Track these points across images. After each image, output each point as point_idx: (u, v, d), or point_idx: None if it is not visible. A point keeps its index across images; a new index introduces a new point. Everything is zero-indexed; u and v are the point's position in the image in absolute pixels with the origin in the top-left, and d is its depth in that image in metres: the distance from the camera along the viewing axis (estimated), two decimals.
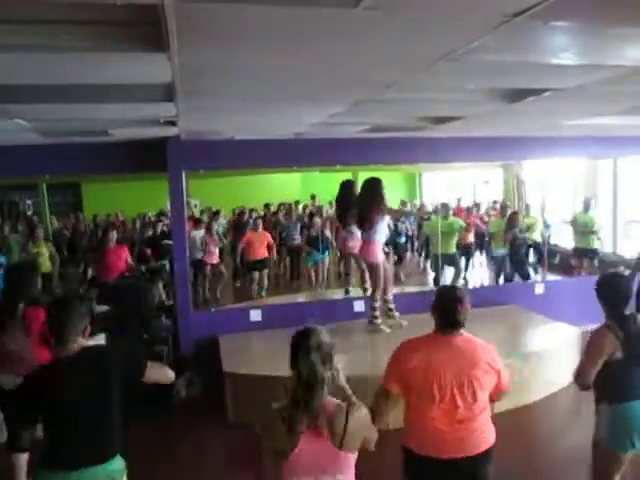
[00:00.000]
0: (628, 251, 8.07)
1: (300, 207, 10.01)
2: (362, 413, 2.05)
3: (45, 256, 7.17)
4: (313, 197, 10.09)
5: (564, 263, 8.30)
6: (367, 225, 5.50)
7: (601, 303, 3.01)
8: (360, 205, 5.63)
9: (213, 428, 4.76)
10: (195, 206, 9.42)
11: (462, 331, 2.61)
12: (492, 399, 2.70)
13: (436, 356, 2.54)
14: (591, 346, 2.92)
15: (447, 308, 2.58)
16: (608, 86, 3.15)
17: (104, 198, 9.82)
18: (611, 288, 3.00)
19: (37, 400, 2.37)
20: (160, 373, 2.60)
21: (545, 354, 5.18)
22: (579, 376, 2.93)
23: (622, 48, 2.46)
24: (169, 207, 5.90)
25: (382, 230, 5.59)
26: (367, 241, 5.56)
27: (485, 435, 2.59)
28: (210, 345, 5.52)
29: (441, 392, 2.51)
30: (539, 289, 6.82)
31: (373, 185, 5.57)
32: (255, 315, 5.94)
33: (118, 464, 2.42)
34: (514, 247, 7.71)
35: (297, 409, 1.96)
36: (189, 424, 4.83)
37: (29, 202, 10.16)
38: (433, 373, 2.51)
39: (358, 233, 5.89)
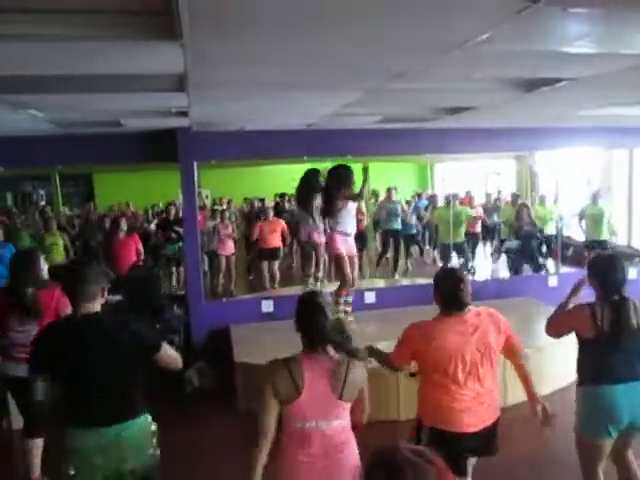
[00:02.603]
0: None
1: None
2: (360, 368, 2.27)
3: (59, 246, 7.24)
4: None
5: (577, 255, 8.22)
6: (330, 214, 5.22)
7: (593, 283, 2.95)
8: (325, 194, 5.28)
9: (224, 418, 4.78)
10: (206, 196, 9.43)
11: (469, 307, 2.68)
12: (518, 366, 2.82)
13: (455, 336, 2.61)
14: (565, 314, 3.02)
15: (451, 291, 2.64)
16: (625, 75, 3.09)
17: (116, 188, 9.84)
18: (605, 269, 2.93)
19: (47, 350, 2.43)
20: (173, 357, 2.62)
21: (558, 347, 5.13)
22: (547, 324, 3.12)
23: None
24: (180, 197, 5.92)
25: (345, 221, 5.23)
26: (329, 232, 5.31)
27: (497, 403, 2.77)
28: (222, 335, 5.55)
29: (465, 370, 2.61)
30: (552, 281, 6.77)
31: (337, 173, 5.22)
32: (266, 306, 5.96)
33: (139, 424, 2.46)
34: (523, 239, 7.66)
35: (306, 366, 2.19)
36: (201, 414, 4.86)
37: (42, 192, 10.22)
38: (455, 353, 2.59)
39: (321, 225, 5.72)
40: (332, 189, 5.13)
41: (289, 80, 3.16)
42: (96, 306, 2.46)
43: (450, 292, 2.64)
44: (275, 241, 7.88)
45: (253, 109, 4.32)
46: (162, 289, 6.52)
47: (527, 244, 7.64)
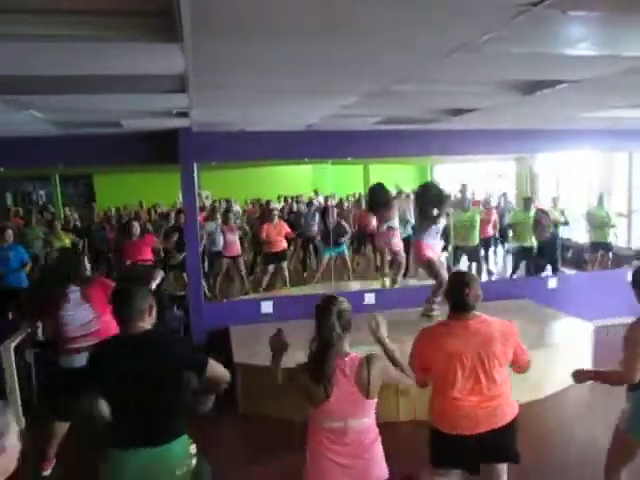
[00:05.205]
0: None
1: (320, 198, 9.90)
2: (380, 364, 2.33)
3: (67, 246, 7.26)
4: (316, 192, 10.05)
5: (577, 257, 8.24)
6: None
7: (637, 293, 2.93)
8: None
9: (223, 419, 4.77)
10: (207, 197, 9.44)
11: (476, 313, 2.71)
12: (519, 371, 2.80)
13: (455, 340, 2.65)
14: (630, 340, 2.85)
15: (456, 293, 2.70)
16: (625, 78, 3.10)
17: (116, 189, 9.86)
18: None
19: (97, 372, 2.40)
20: (221, 370, 2.54)
21: (557, 349, 5.15)
22: (624, 374, 2.85)
23: None
24: (181, 199, 5.92)
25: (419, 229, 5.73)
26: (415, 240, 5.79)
27: (510, 407, 2.72)
28: (221, 336, 5.54)
29: (465, 373, 2.62)
30: (552, 283, 6.76)
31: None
32: (266, 307, 5.95)
33: (180, 444, 2.41)
34: (544, 243, 7.58)
35: (317, 365, 2.27)
36: (199, 414, 4.85)
37: (42, 192, 10.24)
38: (455, 356, 2.62)
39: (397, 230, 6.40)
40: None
41: (289, 83, 3.17)
42: (146, 324, 2.43)
43: (455, 295, 2.70)
44: (282, 244, 7.99)
45: (253, 110, 4.32)
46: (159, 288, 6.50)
47: (548, 248, 7.59)
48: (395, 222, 6.53)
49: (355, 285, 7.78)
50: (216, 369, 2.50)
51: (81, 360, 3.58)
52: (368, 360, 2.30)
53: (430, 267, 5.55)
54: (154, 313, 2.48)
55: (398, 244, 6.49)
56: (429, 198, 5.65)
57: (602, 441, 3.40)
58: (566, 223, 8.03)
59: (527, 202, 8.26)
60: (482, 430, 2.65)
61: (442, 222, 5.73)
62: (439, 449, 2.74)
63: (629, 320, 2.92)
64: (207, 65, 2.61)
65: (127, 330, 2.40)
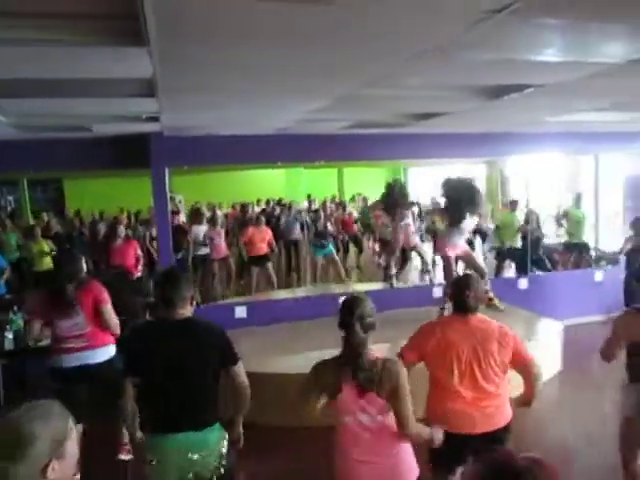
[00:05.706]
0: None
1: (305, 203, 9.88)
2: (396, 366, 2.34)
3: (47, 253, 7.14)
4: (309, 197, 10.06)
5: (548, 258, 8.37)
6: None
7: None
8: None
9: None
10: (179, 202, 9.35)
11: (477, 313, 2.77)
12: (526, 376, 2.79)
13: (453, 333, 2.71)
14: (613, 325, 3.01)
15: (458, 295, 2.77)
16: (590, 82, 3.18)
17: (87, 194, 9.70)
18: None
19: (137, 351, 2.46)
20: (245, 377, 2.57)
21: (528, 348, 5.21)
22: (602, 350, 3.05)
23: (603, 45, 2.48)
24: (152, 203, 5.84)
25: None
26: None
27: (506, 411, 2.75)
28: None
29: (460, 367, 2.66)
30: (523, 284, 6.86)
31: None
32: (240, 312, 5.90)
33: (215, 433, 2.47)
34: (532, 243, 7.68)
35: (345, 366, 2.28)
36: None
37: (10, 198, 10.02)
38: (451, 348, 2.67)
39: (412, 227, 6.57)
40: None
41: (257, 86, 3.16)
42: (186, 312, 2.51)
43: (457, 297, 2.77)
44: (264, 248, 7.97)
45: (224, 114, 4.30)
46: (134, 294, 6.41)
47: (535, 249, 7.71)
48: (409, 218, 6.66)
49: (338, 288, 7.77)
50: (242, 372, 2.56)
51: (70, 361, 3.64)
52: (384, 361, 2.32)
53: (446, 264, 5.58)
54: (194, 302, 2.57)
55: (415, 239, 6.65)
56: (477, 199, 5.52)
57: (572, 438, 3.46)
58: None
59: (513, 204, 8.42)
60: (480, 431, 2.64)
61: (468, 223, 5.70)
62: (440, 450, 2.64)
63: (598, 319, 3.01)
64: (175, 68, 2.60)
65: (168, 315, 2.47)
